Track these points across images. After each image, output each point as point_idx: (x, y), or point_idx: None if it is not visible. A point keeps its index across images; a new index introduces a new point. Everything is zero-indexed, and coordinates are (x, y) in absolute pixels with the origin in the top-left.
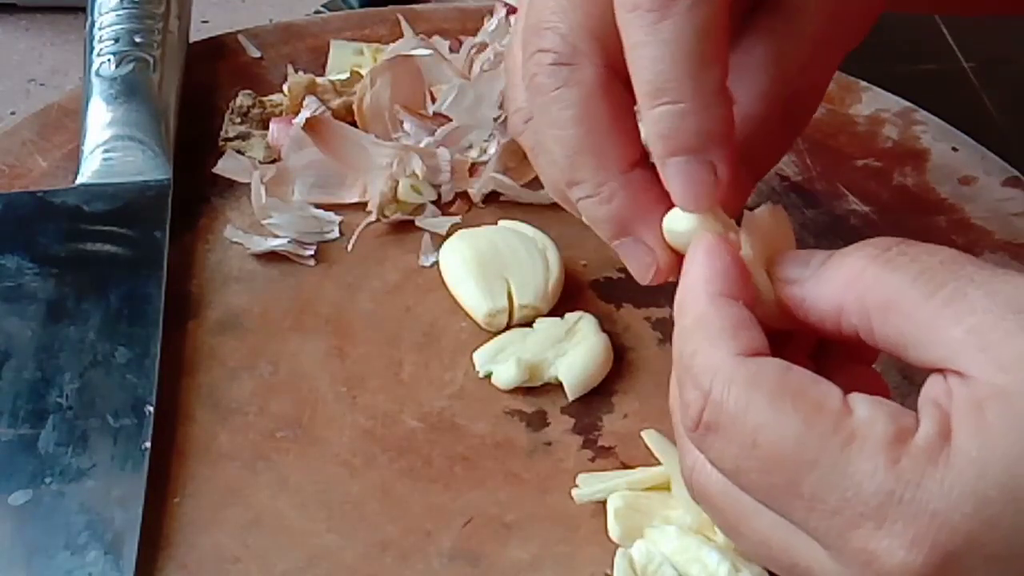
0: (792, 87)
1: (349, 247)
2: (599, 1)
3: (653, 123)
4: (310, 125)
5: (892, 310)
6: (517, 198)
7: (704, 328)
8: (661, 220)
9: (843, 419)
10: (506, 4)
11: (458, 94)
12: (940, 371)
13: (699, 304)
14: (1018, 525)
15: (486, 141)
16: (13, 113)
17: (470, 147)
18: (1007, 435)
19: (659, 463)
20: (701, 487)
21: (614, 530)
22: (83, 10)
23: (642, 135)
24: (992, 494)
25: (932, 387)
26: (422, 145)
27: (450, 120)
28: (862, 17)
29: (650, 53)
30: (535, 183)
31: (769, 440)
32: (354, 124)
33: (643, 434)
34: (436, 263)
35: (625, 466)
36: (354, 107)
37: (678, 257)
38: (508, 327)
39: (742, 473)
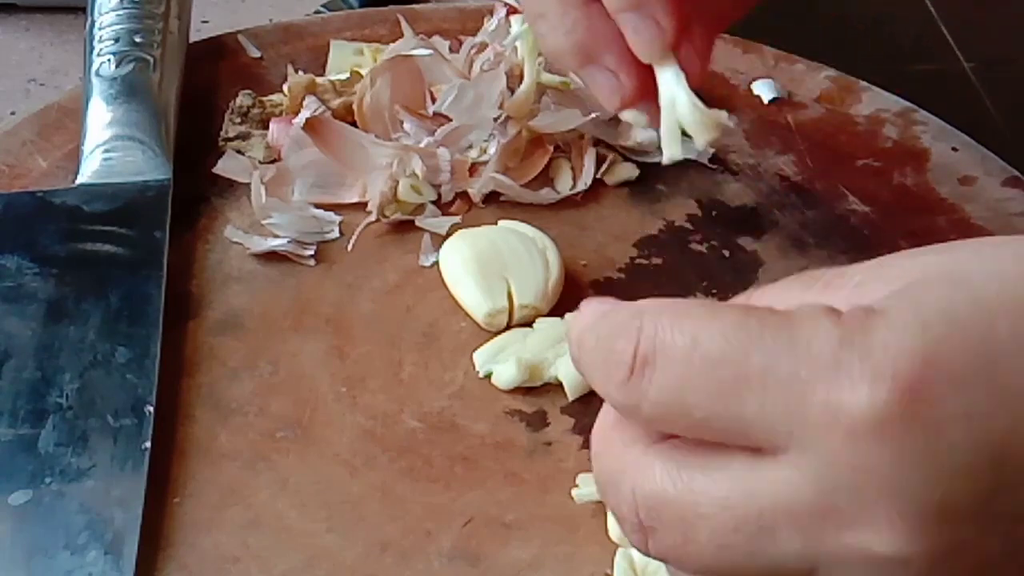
0: None
1: (349, 247)
2: None
3: None
4: (310, 125)
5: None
6: (517, 198)
7: (614, 308)
8: (621, 47)
9: (778, 311)
10: (506, 4)
11: (458, 94)
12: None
13: (601, 305)
14: (967, 346)
15: (486, 141)
16: (13, 113)
17: (470, 147)
18: (933, 288)
19: None
20: (647, 497)
21: (614, 530)
22: (83, 10)
23: None
24: (933, 319)
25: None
26: (422, 145)
27: (450, 120)
28: None
29: None
30: (535, 183)
31: (709, 333)
32: (354, 124)
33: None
34: (436, 263)
35: None
36: (354, 107)
37: (642, 81)
38: (508, 327)
39: (686, 388)
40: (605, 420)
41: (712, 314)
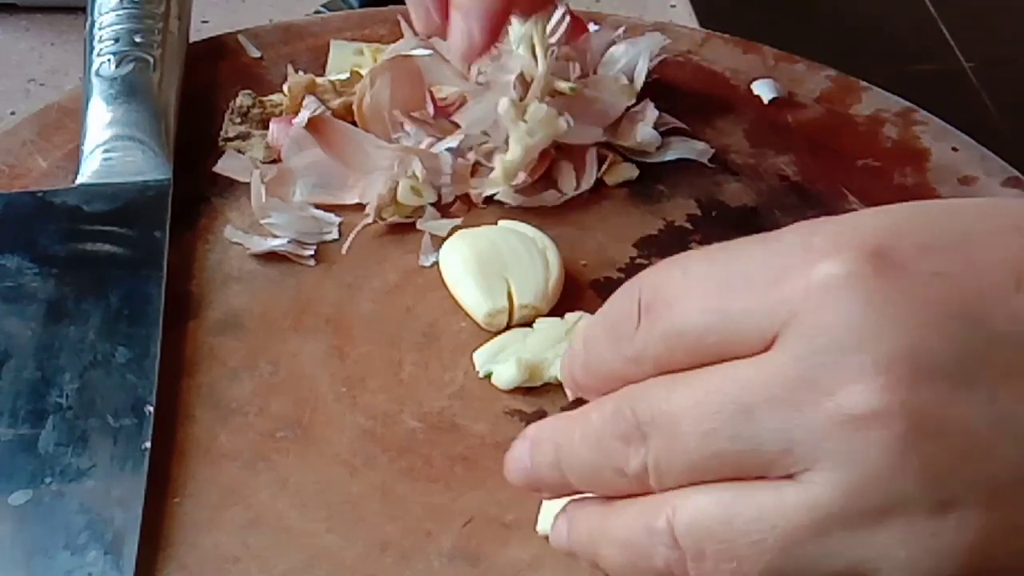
0: None
1: (344, 249)
2: None
3: None
4: (312, 124)
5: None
6: (521, 204)
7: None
8: None
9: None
10: None
11: (481, 103)
12: None
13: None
14: (935, 222)
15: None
16: (13, 113)
17: (471, 150)
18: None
19: None
20: (644, 407)
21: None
22: (83, 10)
23: None
24: (903, 209)
25: None
26: (422, 146)
27: (456, 125)
28: None
29: None
30: (537, 184)
31: (697, 261)
32: (354, 124)
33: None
34: (436, 263)
35: None
36: (354, 107)
37: None
38: (508, 327)
39: (681, 311)
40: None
41: (703, 250)
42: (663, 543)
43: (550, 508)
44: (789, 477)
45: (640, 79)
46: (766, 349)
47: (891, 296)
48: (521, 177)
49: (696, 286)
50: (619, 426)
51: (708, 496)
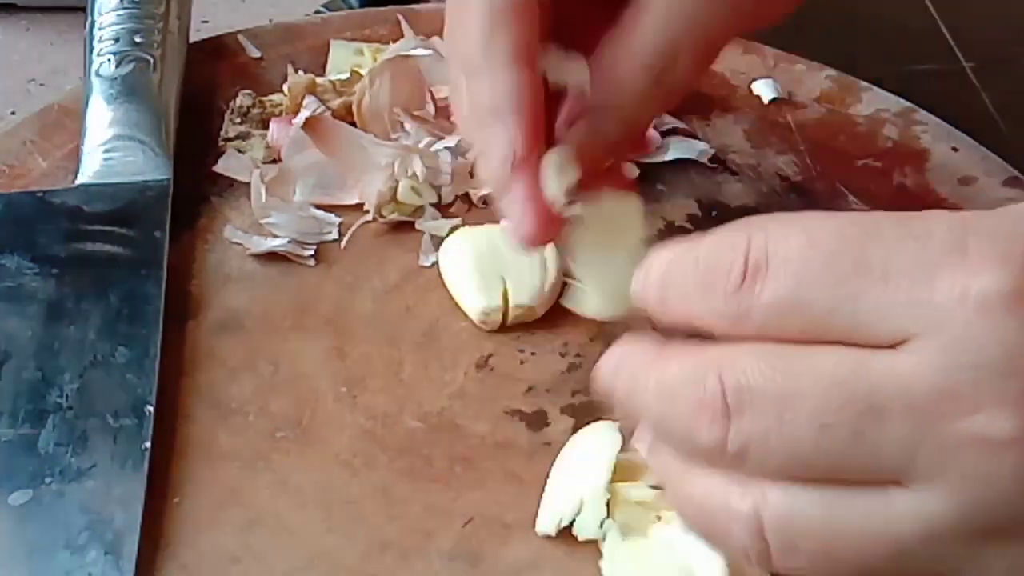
0: (651, 50)
1: (342, 245)
2: None
3: (466, 90)
4: (309, 124)
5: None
6: None
7: (709, 236)
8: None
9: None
10: None
11: None
12: None
13: (687, 243)
14: None
15: None
16: (13, 113)
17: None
18: None
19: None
20: (738, 379)
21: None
22: (83, 10)
23: None
24: None
25: None
26: (422, 145)
27: (454, 125)
28: None
29: (460, 33)
30: None
31: (824, 231)
32: (354, 124)
33: (631, 454)
34: (436, 263)
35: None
36: (353, 107)
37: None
38: (503, 326)
39: (804, 284)
40: (649, 350)
41: (823, 216)
42: (745, 529)
43: (550, 508)
44: (898, 484)
45: None
46: (893, 346)
47: None
48: None
49: (825, 260)
50: (699, 391)
51: (809, 495)
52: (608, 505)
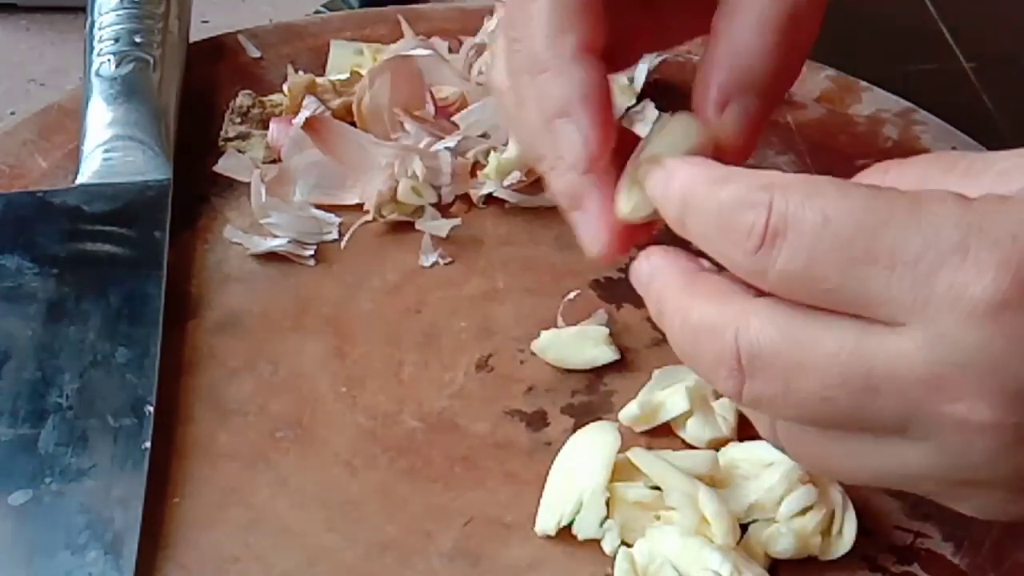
0: (787, 10)
1: (342, 245)
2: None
3: (532, 90)
4: (309, 124)
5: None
6: (521, 203)
7: (734, 176)
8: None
9: (905, 191)
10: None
11: (482, 107)
12: None
13: (711, 170)
14: None
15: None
16: (13, 113)
17: (470, 149)
18: None
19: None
20: (751, 343)
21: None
22: (83, 10)
23: None
24: None
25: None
26: (422, 145)
27: (455, 125)
28: None
29: (524, 30)
30: (537, 184)
31: (840, 212)
32: (354, 124)
33: (629, 454)
34: (436, 263)
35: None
36: (353, 107)
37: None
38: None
39: (814, 263)
40: (679, 277)
41: (842, 192)
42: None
43: (549, 508)
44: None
45: (640, 79)
46: (891, 324)
47: None
48: (516, 176)
49: (838, 243)
50: (716, 346)
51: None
52: (608, 505)
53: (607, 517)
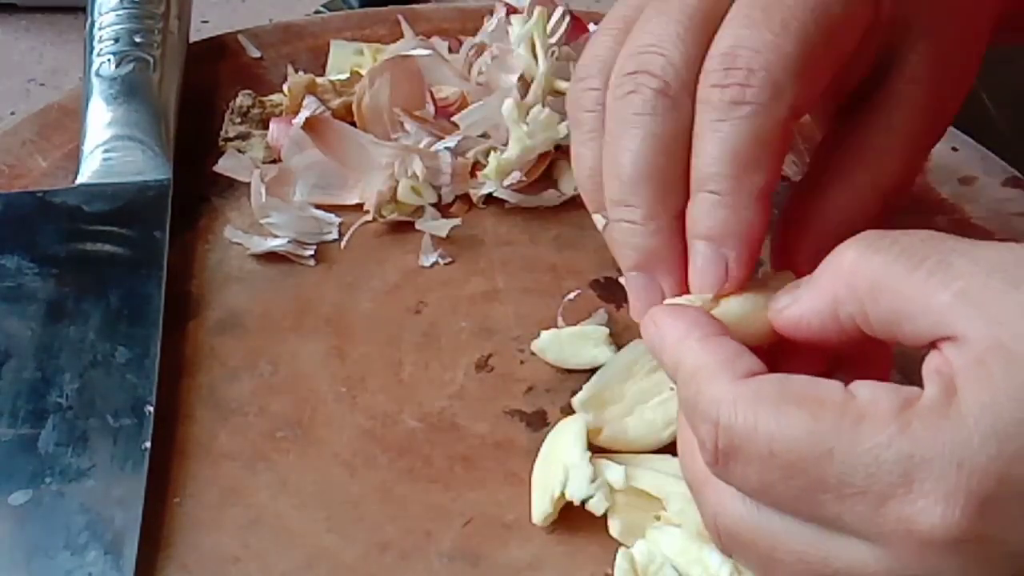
0: (890, 181)
1: (343, 244)
2: (710, 38)
3: (693, 204)
4: (309, 124)
5: (880, 289)
6: (520, 203)
7: (701, 369)
8: (682, 270)
9: (848, 404)
10: (506, 4)
11: (477, 109)
12: (935, 345)
13: (690, 352)
14: None
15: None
16: (13, 113)
17: (470, 149)
18: (1013, 378)
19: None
20: (728, 528)
21: (615, 527)
22: (83, 10)
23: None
24: (1011, 430)
25: (931, 360)
26: (422, 145)
27: (455, 125)
28: (955, 101)
29: (709, 144)
30: (537, 184)
31: (784, 445)
32: (354, 124)
33: (635, 481)
34: (436, 263)
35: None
36: (353, 108)
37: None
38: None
39: (767, 488)
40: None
41: (783, 422)
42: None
43: (539, 492)
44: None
45: None
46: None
47: (986, 555)
48: (516, 176)
49: (786, 477)
50: (711, 533)
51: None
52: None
53: (596, 479)
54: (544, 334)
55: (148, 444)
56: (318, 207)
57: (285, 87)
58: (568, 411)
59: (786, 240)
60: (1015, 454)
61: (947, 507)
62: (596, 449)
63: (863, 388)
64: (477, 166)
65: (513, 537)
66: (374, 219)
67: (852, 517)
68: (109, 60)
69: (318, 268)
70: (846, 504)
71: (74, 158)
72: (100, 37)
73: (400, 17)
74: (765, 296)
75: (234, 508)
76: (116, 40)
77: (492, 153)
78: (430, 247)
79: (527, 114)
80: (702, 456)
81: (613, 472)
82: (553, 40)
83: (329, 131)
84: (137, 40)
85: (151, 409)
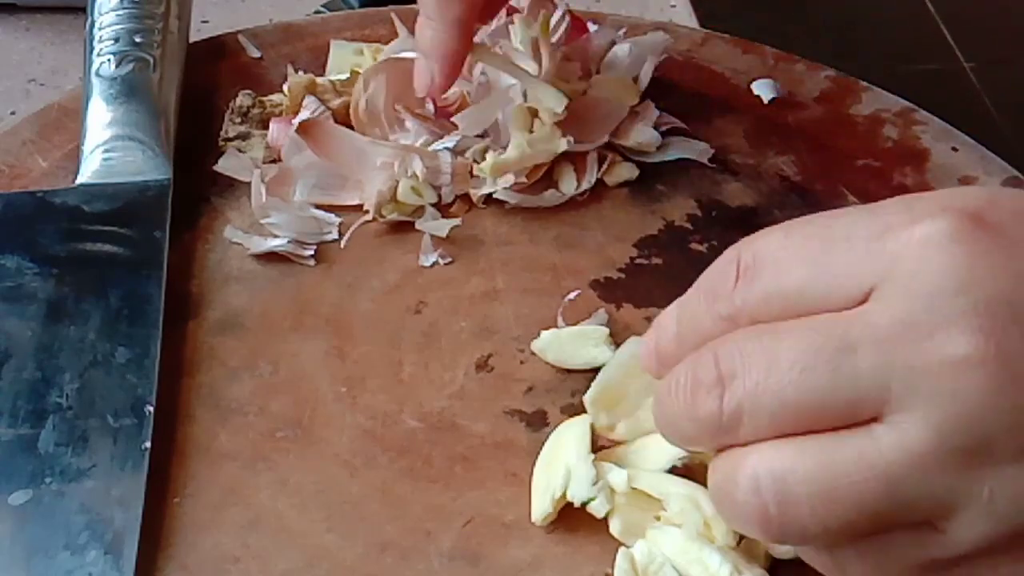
0: None
1: (343, 244)
2: None
3: (416, 25)
4: (303, 128)
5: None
6: (521, 203)
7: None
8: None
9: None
10: (507, 4)
11: (482, 107)
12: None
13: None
14: (1015, 195)
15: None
16: (13, 113)
17: (469, 148)
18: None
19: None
20: (730, 346)
21: (615, 526)
22: (83, 10)
23: None
24: (998, 189)
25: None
26: (419, 144)
27: (455, 125)
28: None
29: None
30: (537, 185)
31: (799, 223)
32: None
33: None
34: (436, 263)
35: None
36: (350, 110)
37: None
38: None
39: (783, 268)
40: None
41: (796, 220)
42: (749, 491)
43: (540, 492)
44: (876, 421)
45: (646, 78)
46: (864, 302)
47: (990, 248)
48: (511, 178)
49: (798, 245)
50: (696, 372)
51: (801, 446)
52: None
53: (597, 480)
54: (544, 334)
55: (148, 444)
56: (318, 207)
57: (285, 87)
58: (568, 411)
59: None
60: (1002, 191)
61: (944, 214)
62: (599, 449)
63: None
64: (476, 166)
65: (513, 537)
66: (374, 219)
67: (859, 256)
68: (109, 60)
69: (318, 268)
70: (852, 245)
71: (74, 158)
72: (100, 37)
73: (393, 16)
74: None
75: (234, 508)
76: (116, 40)
77: (489, 151)
78: (430, 247)
79: (531, 125)
80: (723, 290)
81: (615, 475)
82: (553, 40)
83: (324, 134)
84: (137, 40)
85: (151, 409)
